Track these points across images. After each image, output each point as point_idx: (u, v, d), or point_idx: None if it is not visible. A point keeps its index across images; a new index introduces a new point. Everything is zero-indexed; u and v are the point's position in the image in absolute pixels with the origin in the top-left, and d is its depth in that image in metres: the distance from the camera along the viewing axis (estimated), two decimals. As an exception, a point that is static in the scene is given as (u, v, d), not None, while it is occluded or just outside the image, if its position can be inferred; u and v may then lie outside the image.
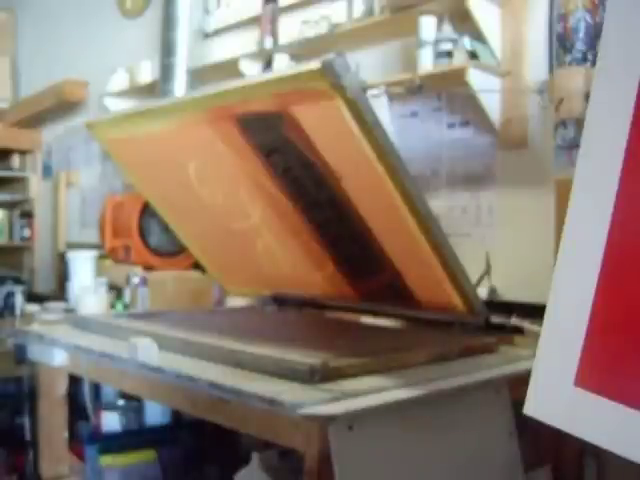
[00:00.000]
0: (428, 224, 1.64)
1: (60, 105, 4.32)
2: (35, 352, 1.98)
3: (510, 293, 2.17)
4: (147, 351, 1.61)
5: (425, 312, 1.92)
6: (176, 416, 2.42)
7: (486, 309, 1.85)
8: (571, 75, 1.80)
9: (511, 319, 1.89)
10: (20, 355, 1.97)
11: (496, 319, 1.87)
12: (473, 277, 2.21)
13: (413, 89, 2.28)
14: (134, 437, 2.32)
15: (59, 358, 1.91)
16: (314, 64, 1.46)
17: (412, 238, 1.67)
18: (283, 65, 2.82)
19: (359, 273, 1.99)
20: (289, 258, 2.09)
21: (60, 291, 3.78)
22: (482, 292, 2.18)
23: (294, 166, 1.77)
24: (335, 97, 1.47)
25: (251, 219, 2.04)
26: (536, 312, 1.76)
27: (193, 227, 2.31)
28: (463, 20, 2.21)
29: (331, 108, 1.49)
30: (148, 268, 2.92)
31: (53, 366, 1.96)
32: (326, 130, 1.60)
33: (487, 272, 2.19)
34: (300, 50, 2.79)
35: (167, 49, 3.22)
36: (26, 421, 2.58)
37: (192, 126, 1.85)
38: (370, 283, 1.97)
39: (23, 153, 4.86)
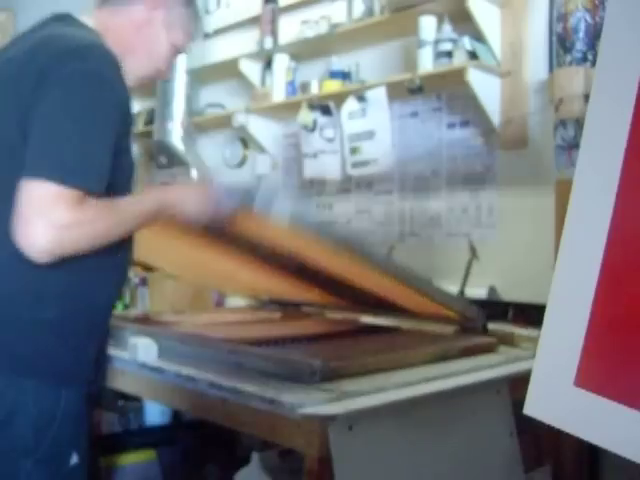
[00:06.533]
0: (403, 279, 1.67)
1: (60, 105, 4.32)
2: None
3: (510, 292, 2.17)
4: (147, 351, 1.61)
5: (423, 321, 1.94)
6: (176, 416, 2.42)
7: (483, 315, 1.86)
8: (571, 75, 1.79)
9: (508, 325, 1.91)
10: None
11: (493, 325, 1.88)
12: (473, 278, 2.22)
13: (413, 89, 2.29)
14: (134, 437, 2.32)
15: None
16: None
17: (394, 290, 1.72)
18: (283, 65, 2.82)
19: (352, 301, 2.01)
20: (279, 288, 2.11)
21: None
22: (481, 292, 2.18)
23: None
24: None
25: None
26: (536, 312, 1.76)
27: (176, 262, 2.27)
28: (463, 20, 2.21)
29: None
30: (148, 268, 2.91)
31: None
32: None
33: (473, 258, 2.19)
34: (300, 50, 2.79)
35: (167, 49, 3.22)
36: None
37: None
38: (366, 302, 1.98)
39: (23, 153, 4.85)
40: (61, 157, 1.10)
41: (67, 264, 1.12)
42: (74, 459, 1.21)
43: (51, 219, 1.06)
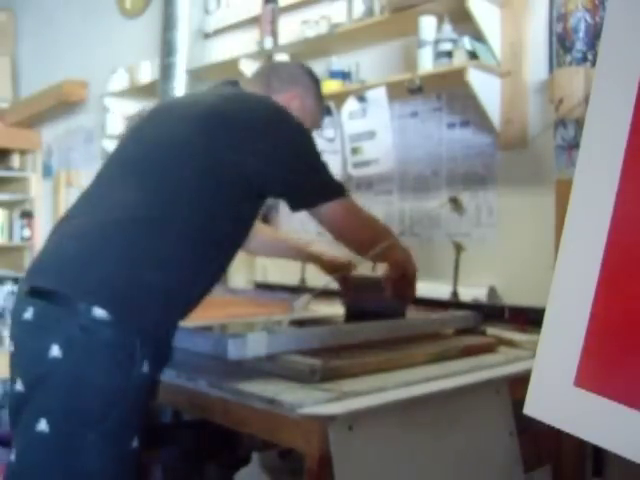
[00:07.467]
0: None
1: (60, 105, 4.32)
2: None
3: (510, 293, 2.17)
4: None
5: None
6: (176, 416, 2.42)
7: (479, 320, 1.86)
8: (571, 75, 1.79)
9: (506, 330, 1.91)
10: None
11: (491, 329, 1.88)
12: (473, 278, 2.22)
13: (413, 89, 2.28)
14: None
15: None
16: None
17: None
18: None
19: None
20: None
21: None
22: (481, 292, 2.18)
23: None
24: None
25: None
26: (535, 312, 1.77)
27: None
28: (463, 20, 2.21)
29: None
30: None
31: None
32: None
33: (459, 255, 2.20)
34: (300, 50, 2.79)
35: (167, 49, 3.22)
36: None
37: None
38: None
39: (23, 153, 4.86)
40: (330, 181, 1.53)
41: (180, 246, 1.32)
42: (135, 443, 1.25)
43: (361, 220, 1.62)
